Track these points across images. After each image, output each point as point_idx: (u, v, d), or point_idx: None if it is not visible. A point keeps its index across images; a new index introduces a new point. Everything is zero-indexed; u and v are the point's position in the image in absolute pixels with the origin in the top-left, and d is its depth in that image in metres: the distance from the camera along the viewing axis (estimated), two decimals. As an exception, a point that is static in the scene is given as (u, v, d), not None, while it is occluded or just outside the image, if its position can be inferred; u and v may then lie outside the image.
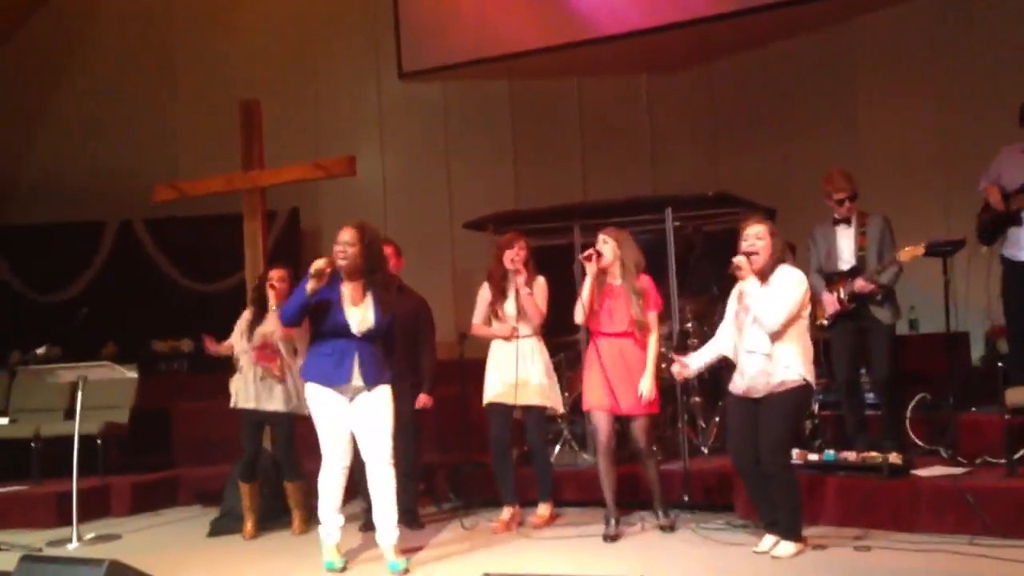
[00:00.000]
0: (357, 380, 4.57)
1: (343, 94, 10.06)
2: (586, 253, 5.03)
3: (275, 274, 5.80)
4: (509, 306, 5.45)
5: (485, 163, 9.58)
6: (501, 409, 5.47)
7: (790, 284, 4.37)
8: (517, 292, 5.39)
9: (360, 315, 4.60)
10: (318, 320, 4.63)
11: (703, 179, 8.26)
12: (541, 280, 5.50)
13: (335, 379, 4.59)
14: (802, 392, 4.41)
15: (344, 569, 4.65)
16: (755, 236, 4.42)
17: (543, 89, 9.64)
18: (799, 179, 8.03)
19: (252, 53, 10.06)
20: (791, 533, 4.42)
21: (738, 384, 4.52)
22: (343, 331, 4.58)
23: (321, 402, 4.64)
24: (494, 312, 5.48)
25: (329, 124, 9.94)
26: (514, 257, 5.39)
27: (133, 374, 6.60)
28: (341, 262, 4.58)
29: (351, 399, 4.63)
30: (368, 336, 4.61)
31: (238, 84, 9.19)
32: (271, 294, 5.72)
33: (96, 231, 9.96)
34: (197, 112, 10.00)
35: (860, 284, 5.42)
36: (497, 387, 5.45)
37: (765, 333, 4.35)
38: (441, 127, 9.87)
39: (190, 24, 10.30)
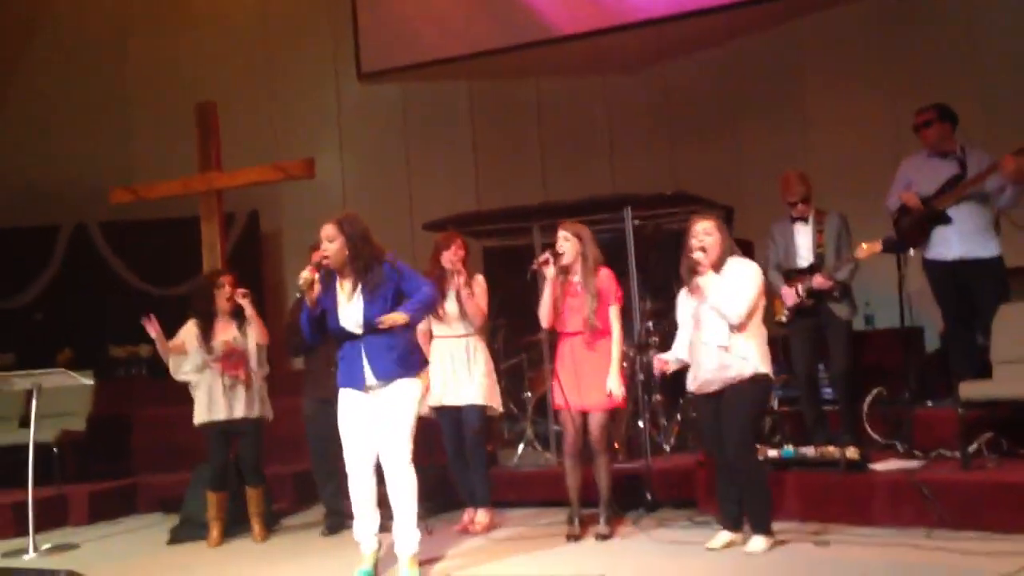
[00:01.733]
0: (371, 379, 4.44)
1: (302, 96, 9.99)
2: (542, 259, 4.97)
3: (227, 280, 5.73)
4: (450, 305, 5.43)
5: (445, 164, 9.58)
6: (448, 412, 5.46)
7: (747, 275, 4.45)
8: (458, 292, 5.38)
9: (353, 310, 4.45)
10: (325, 327, 4.52)
11: (661, 178, 8.32)
12: (480, 279, 5.50)
13: (350, 382, 4.50)
14: (760, 383, 4.47)
15: None
16: (704, 232, 4.49)
17: (502, 90, 9.65)
18: (754, 177, 8.12)
19: (210, 54, 9.98)
20: (761, 526, 4.47)
21: (694, 380, 4.57)
22: (345, 332, 4.46)
23: (344, 405, 4.53)
24: (436, 312, 5.45)
25: (288, 126, 9.88)
26: (452, 257, 5.38)
27: (89, 381, 6.51)
28: (325, 261, 4.46)
29: (373, 396, 4.48)
30: (371, 328, 4.40)
31: (195, 86, 9.10)
32: (222, 299, 5.64)
33: (50, 235, 9.77)
34: (154, 114, 9.88)
35: (819, 280, 5.50)
36: (439, 391, 5.41)
37: (725, 325, 4.39)
38: (401, 128, 9.84)
39: (147, 24, 10.18)
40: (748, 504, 4.51)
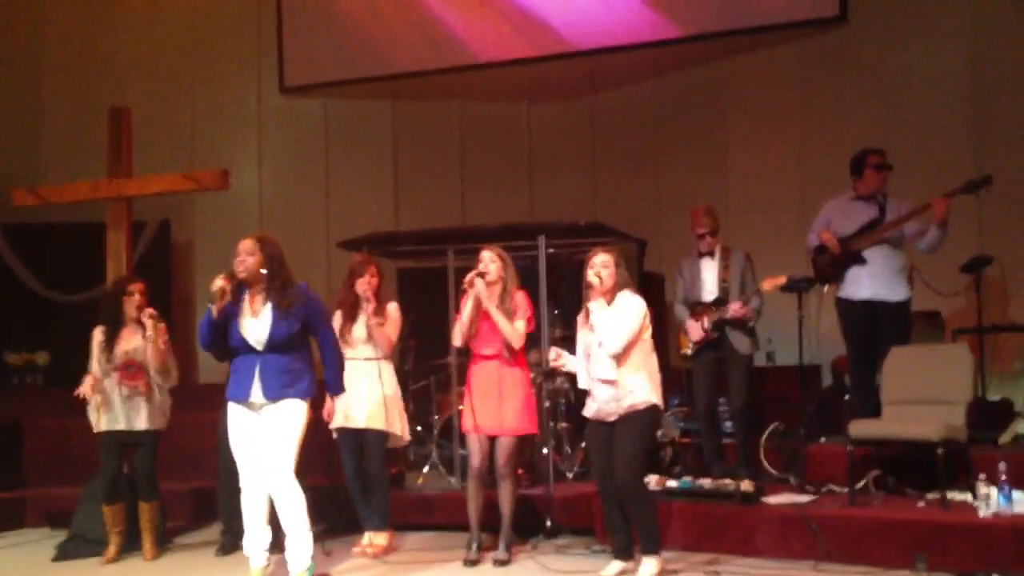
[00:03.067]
0: (257, 396, 4.49)
1: (223, 105, 9.84)
2: (469, 277, 4.99)
3: (136, 287, 5.61)
4: (358, 330, 5.43)
5: (365, 182, 9.54)
6: (348, 434, 5.42)
7: (631, 308, 4.54)
8: (368, 319, 5.38)
9: (258, 326, 4.50)
10: (227, 338, 4.55)
11: (580, 207, 8.43)
12: (393, 308, 5.52)
13: (237, 395, 4.53)
14: (651, 414, 4.55)
15: None
16: (601, 264, 4.58)
17: (425, 111, 9.67)
18: (671, 211, 8.29)
19: (128, 57, 9.77)
20: (650, 548, 4.52)
21: (590, 408, 4.65)
22: (245, 346, 4.51)
23: (232, 419, 4.57)
24: (343, 337, 5.40)
25: (207, 135, 9.71)
26: (364, 285, 5.39)
27: (-21, 387, 6.26)
28: (241, 273, 4.49)
29: (259, 414, 4.54)
30: (272, 347, 4.48)
31: (112, 88, 8.91)
32: (131, 307, 5.53)
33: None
34: (64, 116, 9.62)
35: (735, 308, 5.65)
36: (341, 412, 5.30)
37: (608, 359, 4.48)
38: (322, 144, 9.77)
39: (65, 18, 9.89)
40: (639, 529, 4.57)
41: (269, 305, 4.50)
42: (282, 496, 4.47)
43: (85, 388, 5.40)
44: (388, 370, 5.48)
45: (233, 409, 4.58)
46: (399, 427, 5.49)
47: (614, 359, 4.47)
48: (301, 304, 4.53)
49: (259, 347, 4.49)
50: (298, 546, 4.49)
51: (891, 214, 5.74)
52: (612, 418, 4.54)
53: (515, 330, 5.00)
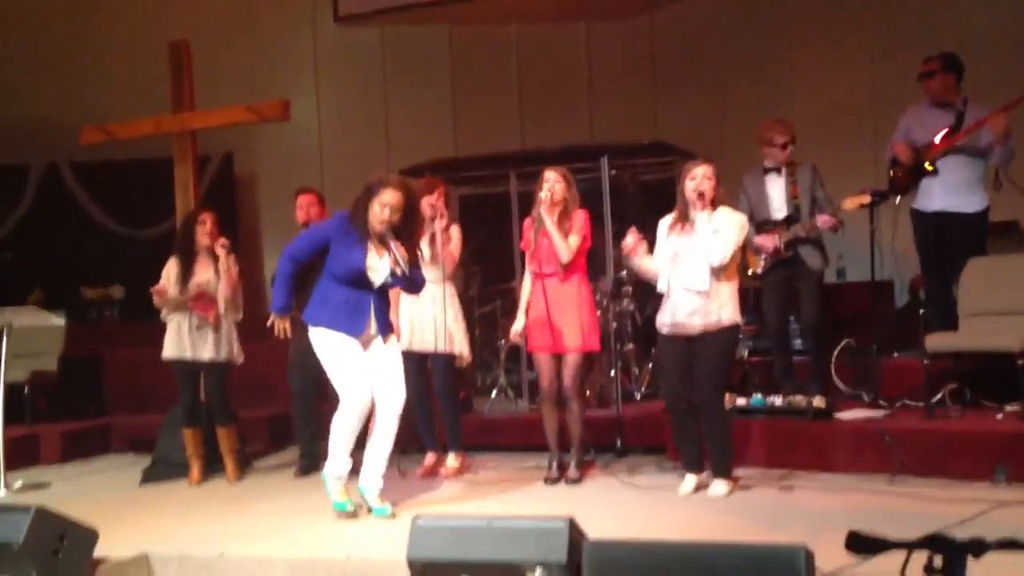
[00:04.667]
0: (373, 329, 4.54)
1: (278, 37, 9.83)
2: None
3: (208, 217, 5.70)
4: (423, 251, 5.45)
5: (423, 109, 9.48)
6: (413, 357, 5.48)
7: (734, 222, 4.52)
8: (432, 237, 5.36)
9: (381, 267, 4.49)
10: (334, 265, 4.50)
11: (641, 128, 8.29)
12: (456, 229, 5.50)
13: (351, 329, 4.49)
14: (734, 332, 4.59)
15: (355, 513, 4.52)
16: (704, 176, 4.52)
17: (482, 35, 9.53)
18: (736, 128, 8.10)
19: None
20: (723, 471, 4.54)
21: (667, 321, 4.60)
22: (360, 281, 4.48)
23: (338, 344, 4.50)
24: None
25: (264, 67, 9.72)
26: (433, 202, 5.38)
27: (60, 321, 6.47)
28: (379, 227, 4.41)
29: (368, 347, 4.56)
30: (383, 288, 4.58)
31: (170, 24, 8.89)
32: (203, 236, 5.62)
33: (20, 174, 9.61)
34: (127, 53, 9.67)
35: (823, 219, 5.46)
36: (406, 335, 5.42)
37: (706, 270, 4.43)
38: (379, 72, 9.71)
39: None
40: (711, 449, 4.58)
41: (393, 249, 4.42)
42: (391, 427, 4.56)
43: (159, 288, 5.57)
44: (451, 292, 5.51)
45: (332, 335, 4.51)
46: (465, 348, 5.53)
47: (713, 271, 4.43)
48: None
49: (375, 286, 4.53)
50: (379, 472, 4.57)
51: (969, 121, 5.51)
52: (694, 331, 4.50)
53: (567, 245, 4.93)
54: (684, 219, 4.58)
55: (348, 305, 4.48)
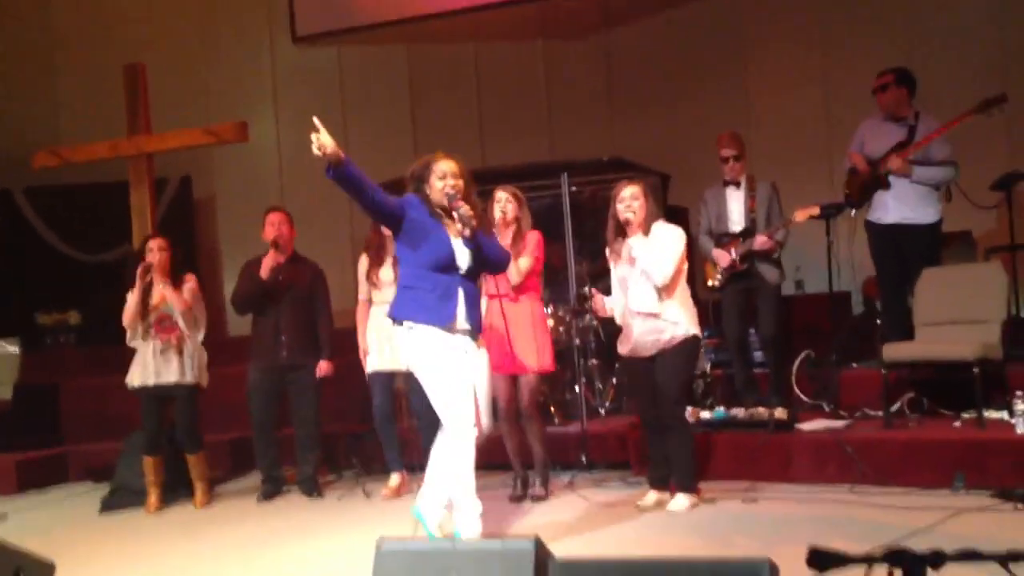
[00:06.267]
0: (462, 322, 3.98)
1: (236, 59, 9.79)
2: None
3: (154, 243, 5.64)
4: (386, 272, 5.46)
5: (382, 129, 9.47)
6: (381, 378, 5.47)
7: (672, 238, 4.51)
8: (394, 259, 5.35)
9: (464, 251, 4.02)
10: (415, 252, 3.99)
11: (600, 145, 8.34)
12: None
13: (441, 317, 3.91)
14: (691, 344, 4.56)
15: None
16: (631, 197, 4.52)
17: (440, 55, 9.56)
18: (692, 144, 8.17)
19: (140, 14, 9.70)
20: (686, 486, 4.57)
21: (625, 345, 4.64)
22: (449, 264, 3.98)
23: (435, 349, 3.90)
24: (370, 279, 5.46)
25: (221, 89, 9.67)
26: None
27: (15, 348, 6.37)
28: (445, 198, 3.99)
29: (461, 344, 3.99)
30: (469, 275, 4.06)
31: (125, 46, 8.84)
32: (153, 264, 5.57)
33: (-27, 202, 9.47)
34: (81, 76, 9.60)
35: (761, 241, 5.59)
36: (376, 356, 5.44)
37: (653, 291, 4.46)
38: (337, 93, 9.70)
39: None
40: (675, 464, 4.60)
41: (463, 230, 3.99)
42: (469, 447, 3.92)
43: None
44: None
45: (429, 332, 3.93)
46: None
47: (658, 290, 4.44)
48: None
49: (461, 270, 4.03)
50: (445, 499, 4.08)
51: (920, 135, 5.64)
52: (650, 352, 4.53)
53: (516, 267, 4.81)
54: (616, 248, 4.59)
55: (435, 292, 3.94)
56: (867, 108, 6.00)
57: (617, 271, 4.66)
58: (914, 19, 7.89)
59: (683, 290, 4.55)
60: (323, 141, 3.69)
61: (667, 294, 4.47)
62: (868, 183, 5.74)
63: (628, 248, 4.53)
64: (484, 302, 4.91)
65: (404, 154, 9.48)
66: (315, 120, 3.73)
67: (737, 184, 5.80)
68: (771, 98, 8.43)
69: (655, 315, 4.47)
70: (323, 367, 5.65)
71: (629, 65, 9.05)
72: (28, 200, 9.43)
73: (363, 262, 5.59)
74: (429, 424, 5.44)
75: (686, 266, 4.58)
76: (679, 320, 4.49)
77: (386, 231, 5.33)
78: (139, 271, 5.49)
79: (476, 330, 4.07)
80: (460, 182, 4.05)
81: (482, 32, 9.39)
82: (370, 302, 5.57)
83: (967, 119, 5.41)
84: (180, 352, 5.57)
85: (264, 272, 5.58)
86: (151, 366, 5.54)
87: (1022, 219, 6.30)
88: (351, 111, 9.65)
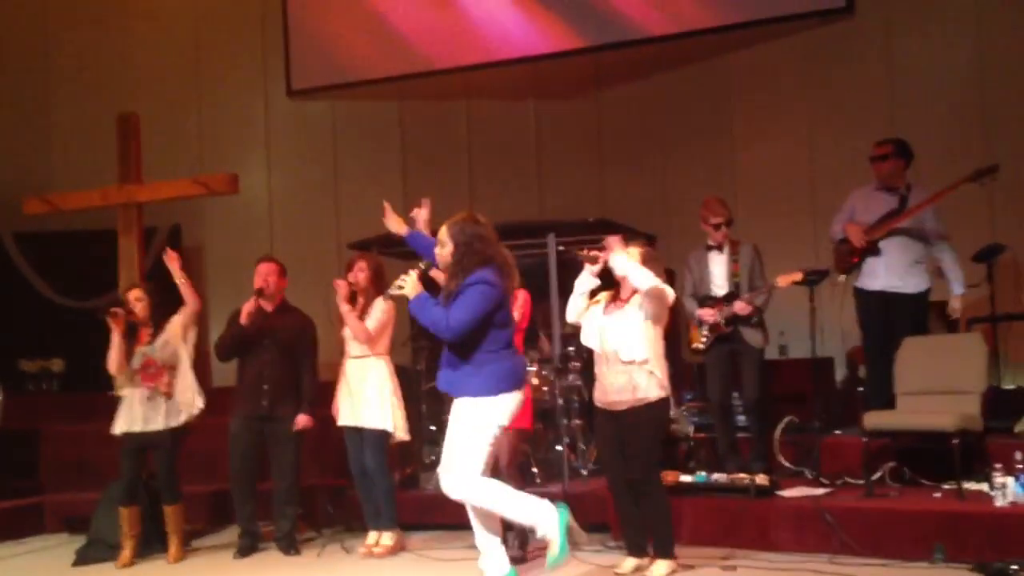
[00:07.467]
0: (440, 383, 4.21)
1: (230, 110, 9.89)
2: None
3: (131, 295, 5.66)
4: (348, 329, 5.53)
5: (373, 183, 9.52)
6: (351, 432, 5.47)
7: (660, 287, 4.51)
8: (347, 307, 5.42)
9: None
10: (507, 327, 4.11)
11: (589, 204, 8.44)
12: (379, 302, 5.43)
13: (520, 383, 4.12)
14: (662, 406, 4.55)
15: None
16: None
17: (433, 111, 9.68)
18: (680, 207, 8.28)
19: (135, 64, 9.83)
20: (664, 550, 4.52)
21: (599, 398, 4.64)
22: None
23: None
24: (341, 333, 5.58)
25: (215, 140, 9.76)
26: (351, 278, 5.50)
27: (-4, 394, 6.30)
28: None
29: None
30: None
31: (120, 95, 8.93)
32: (139, 311, 5.58)
33: (-39, 245, 9.46)
34: (74, 123, 9.68)
35: (739, 306, 5.63)
36: (344, 410, 5.46)
37: (638, 341, 4.45)
38: (330, 146, 9.80)
39: (71, 26, 9.95)
40: (653, 529, 4.57)
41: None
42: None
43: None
44: (381, 366, 5.50)
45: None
46: (393, 424, 5.44)
47: (642, 341, 4.44)
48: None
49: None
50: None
51: (911, 205, 5.70)
52: (622, 407, 4.52)
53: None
54: (617, 297, 4.65)
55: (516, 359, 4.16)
56: (851, 169, 6.07)
57: (595, 321, 4.64)
58: (897, 84, 8.05)
59: (659, 347, 4.54)
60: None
61: (641, 349, 4.45)
62: (858, 252, 5.77)
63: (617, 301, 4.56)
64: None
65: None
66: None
67: (720, 248, 5.85)
68: (757, 159, 8.56)
69: (642, 362, 4.45)
70: (300, 420, 5.60)
71: (619, 126, 9.18)
72: (16, 244, 9.43)
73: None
74: (380, 481, 5.44)
75: (663, 322, 4.56)
76: (653, 379, 4.47)
77: (349, 281, 5.47)
78: (109, 319, 5.49)
79: (449, 390, 4.11)
80: (437, 249, 4.16)
81: (474, 90, 9.53)
82: (345, 355, 5.62)
83: (957, 188, 5.48)
84: (169, 397, 5.55)
85: (243, 318, 5.58)
86: (138, 413, 5.52)
87: (1004, 290, 6.37)
88: (342, 164, 9.76)
